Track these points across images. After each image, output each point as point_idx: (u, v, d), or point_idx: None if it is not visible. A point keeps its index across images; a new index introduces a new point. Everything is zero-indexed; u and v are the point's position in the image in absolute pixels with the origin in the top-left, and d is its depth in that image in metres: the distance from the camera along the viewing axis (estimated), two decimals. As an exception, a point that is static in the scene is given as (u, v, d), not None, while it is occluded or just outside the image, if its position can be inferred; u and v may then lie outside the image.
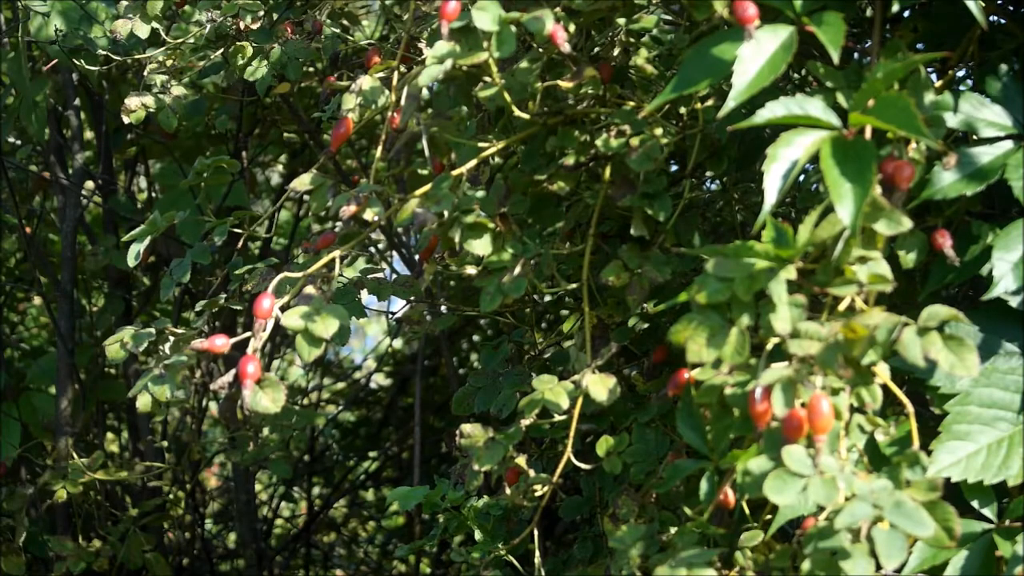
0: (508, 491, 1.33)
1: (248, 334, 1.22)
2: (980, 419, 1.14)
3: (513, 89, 1.27)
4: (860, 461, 1.08)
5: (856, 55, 1.29)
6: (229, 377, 1.20)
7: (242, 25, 1.60)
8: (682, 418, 1.17)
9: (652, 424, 1.38)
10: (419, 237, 1.35)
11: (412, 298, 1.52)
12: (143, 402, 1.28)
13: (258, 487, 3.27)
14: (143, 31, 1.65)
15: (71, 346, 2.35)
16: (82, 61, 1.87)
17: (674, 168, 1.50)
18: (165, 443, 2.52)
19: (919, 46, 1.29)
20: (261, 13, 1.62)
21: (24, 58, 2.08)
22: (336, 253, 1.28)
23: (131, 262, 1.44)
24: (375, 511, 3.60)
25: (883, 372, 1.03)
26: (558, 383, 1.27)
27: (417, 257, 2.46)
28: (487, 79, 1.26)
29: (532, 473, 1.32)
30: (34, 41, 2.02)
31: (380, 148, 1.33)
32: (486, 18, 1.16)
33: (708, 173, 1.53)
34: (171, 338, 1.31)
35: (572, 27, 1.29)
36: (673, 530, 1.21)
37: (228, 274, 1.46)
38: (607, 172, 1.36)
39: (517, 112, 1.30)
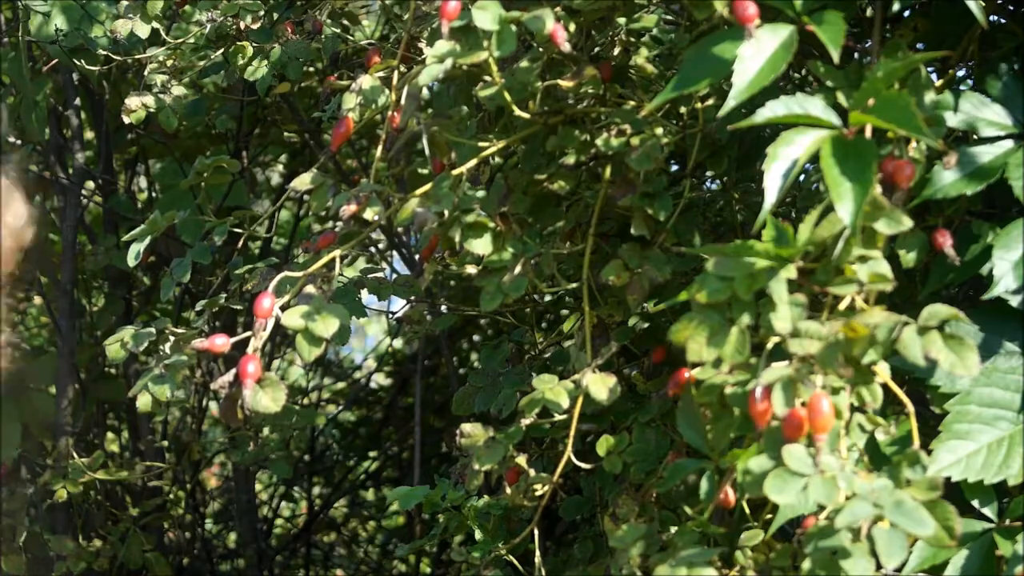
0: (508, 491, 1.33)
1: (248, 334, 1.22)
2: (980, 418, 1.14)
3: (513, 88, 1.27)
4: (860, 460, 1.08)
5: (856, 54, 1.29)
6: (229, 377, 1.20)
7: (242, 25, 1.60)
8: (682, 417, 1.17)
9: (652, 424, 1.38)
10: (419, 237, 1.35)
11: (412, 298, 1.51)
12: (143, 402, 1.28)
13: (258, 487, 3.27)
14: (143, 31, 1.65)
15: (71, 346, 2.35)
16: (82, 61, 1.87)
17: (674, 167, 1.50)
18: (165, 443, 2.52)
19: (919, 45, 1.29)
20: (261, 13, 1.62)
21: (24, 58, 2.08)
22: (336, 253, 1.28)
23: (131, 262, 1.44)
24: (375, 511, 3.59)
25: (883, 371, 1.03)
26: (558, 383, 1.27)
27: (417, 257, 2.47)
28: (487, 78, 1.25)
29: (532, 473, 1.32)
30: (34, 41, 2.02)
31: (380, 148, 1.33)
32: (486, 17, 1.15)
33: (708, 172, 1.53)
34: (171, 338, 1.31)
35: (572, 26, 1.29)
36: (673, 529, 1.21)
37: (228, 274, 1.46)
38: (607, 171, 1.36)
39: (517, 111, 1.30)
